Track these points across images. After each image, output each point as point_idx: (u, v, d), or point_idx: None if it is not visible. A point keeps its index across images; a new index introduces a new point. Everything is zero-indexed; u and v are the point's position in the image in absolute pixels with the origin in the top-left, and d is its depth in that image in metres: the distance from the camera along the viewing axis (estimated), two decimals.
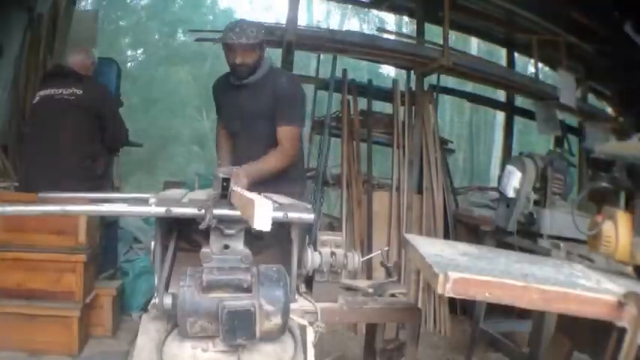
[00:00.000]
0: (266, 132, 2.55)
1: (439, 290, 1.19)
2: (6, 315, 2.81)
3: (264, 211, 1.11)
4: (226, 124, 2.80)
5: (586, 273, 1.56)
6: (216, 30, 5.31)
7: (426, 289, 4.16)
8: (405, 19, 11.89)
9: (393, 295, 1.93)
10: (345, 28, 15.63)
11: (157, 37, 16.89)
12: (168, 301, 1.31)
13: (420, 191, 4.58)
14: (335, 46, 4.63)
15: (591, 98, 6.39)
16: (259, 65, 2.56)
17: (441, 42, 4.86)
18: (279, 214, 1.40)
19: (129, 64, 15.16)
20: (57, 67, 3.47)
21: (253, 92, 2.57)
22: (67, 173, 3.03)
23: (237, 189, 1.45)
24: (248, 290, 1.28)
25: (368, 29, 16.07)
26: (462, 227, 4.54)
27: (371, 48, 4.71)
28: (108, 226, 3.55)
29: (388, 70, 13.84)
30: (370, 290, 1.96)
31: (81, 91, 3.18)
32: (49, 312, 2.85)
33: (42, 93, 3.23)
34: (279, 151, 2.48)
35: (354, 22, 18.22)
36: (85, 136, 3.21)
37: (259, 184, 2.17)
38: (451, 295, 1.18)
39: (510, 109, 6.45)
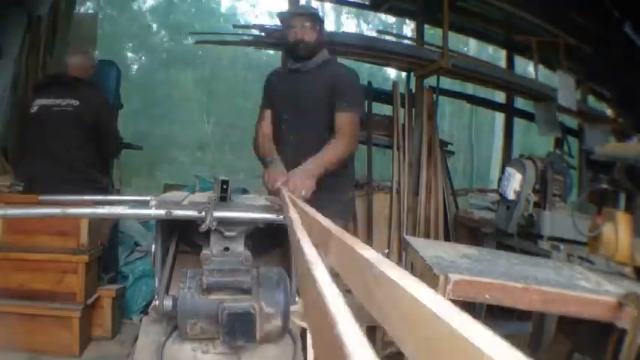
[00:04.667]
0: (321, 120, 2.45)
1: (439, 292, 1.19)
2: (8, 315, 2.81)
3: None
4: (278, 114, 2.62)
5: (586, 274, 1.56)
6: (218, 32, 5.34)
7: None
8: (405, 20, 11.90)
9: None
10: (343, 29, 15.69)
11: (159, 40, 16.93)
12: (168, 303, 1.31)
13: (419, 193, 4.58)
14: (335, 48, 4.64)
15: (591, 100, 6.39)
16: (317, 49, 2.51)
17: (440, 44, 4.87)
18: (279, 217, 1.40)
19: (131, 68, 15.20)
20: (55, 75, 3.47)
21: (312, 78, 2.49)
22: (68, 183, 3.03)
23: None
24: (248, 292, 1.28)
25: (367, 30, 16.12)
26: (462, 229, 4.54)
27: (370, 50, 4.72)
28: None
29: (389, 72, 13.87)
30: None
31: (78, 102, 3.18)
32: (51, 312, 2.86)
33: (40, 102, 3.22)
34: (340, 139, 2.31)
35: (353, 23, 18.27)
36: (84, 147, 3.22)
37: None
38: (451, 296, 1.18)
39: (510, 111, 6.45)
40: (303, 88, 2.50)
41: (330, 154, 2.23)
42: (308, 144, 2.39)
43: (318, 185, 2.10)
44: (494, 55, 9.22)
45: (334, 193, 2.44)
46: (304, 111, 2.51)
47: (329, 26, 17.09)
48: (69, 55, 3.44)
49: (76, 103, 3.19)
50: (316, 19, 2.48)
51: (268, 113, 2.65)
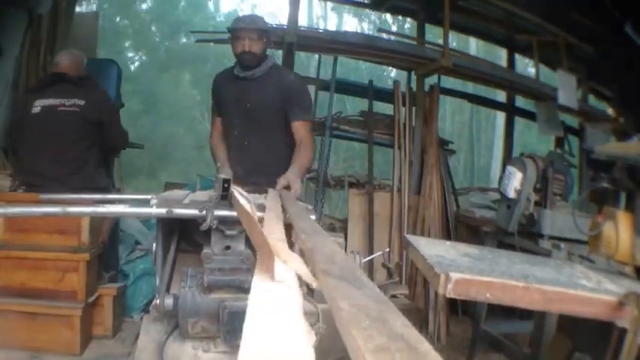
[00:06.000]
0: (268, 126, 2.66)
1: (440, 291, 1.19)
2: (9, 313, 2.82)
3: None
4: (226, 119, 2.81)
5: (587, 273, 1.56)
6: (218, 31, 5.33)
7: (428, 290, 4.16)
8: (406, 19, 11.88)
9: (394, 296, 1.93)
10: (344, 28, 15.67)
11: (158, 39, 16.92)
12: (169, 301, 1.31)
13: (420, 192, 4.58)
14: (335, 47, 4.64)
15: (592, 99, 6.39)
16: (264, 58, 2.65)
17: (441, 43, 4.87)
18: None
19: (131, 67, 15.19)
20: (55, 74, 3.44)
21: (259, 85, 2.64)
22: (70, 184, 3.02)
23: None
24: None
25: (368, 30, 16.11)
26: (462, 228, 4.54)
27: (371, 49, 4.71)
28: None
29: (391, 71, 13.86)
30: None
31: (83, 102, 3.15)
32: (52, 311, 2.86)
33: (42, 103, 3.16)
34: (306, 146, 2.56)
35: (353, 22, 18.27)
36: (87, 146, 3.20)
37: (259, 174, 2.42)
38: (452, 295, 1.18)
39: (511, 110, 6.45)
40: (252, 94, 2.66)
41: (304, 163, 2.50)
42: (259, 147, 2.65)
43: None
44: (496, 53, 9.21)
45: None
46: (253, 116, 2.68)
47: (330, 26, 17.11)
48: (58, 59, 3.40)
49: (81, 102, 3.16)
50: (262, 32, 2.61)
51: (218, 121, 2.88)
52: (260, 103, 2.64)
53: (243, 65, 2.63)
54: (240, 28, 2.57)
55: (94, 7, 11.60)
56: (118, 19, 15.45)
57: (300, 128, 2.59)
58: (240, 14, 15.88)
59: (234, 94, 2.70)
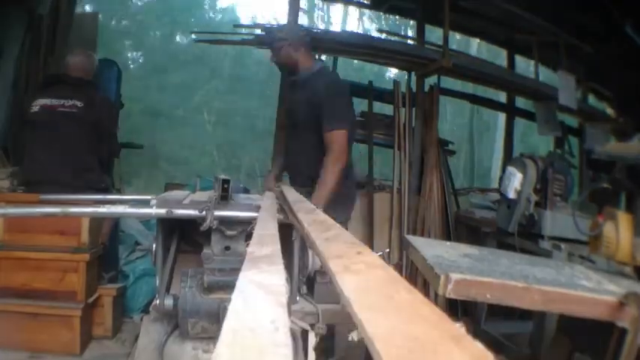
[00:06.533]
0: (303, 129, 2.74)
1: (440, 291, 1.19)
2: (9, 314, 2.81)
3: None
4: (285, 120, 3.07)
5: (587, 274, 1.56)
6: (218, 32, 5.33)
7: (428, 291, 4.16)
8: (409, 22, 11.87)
9: None
10: (349, 28, 15.67)
11: (157, 39, 16.90)
12: (169, 302, 1.31)
13: (420, 192, 4.58)
14: (336, 48, 4.64)
15: (592, 99, 6.39)
16: (296, 65, 2.76)
17: (441, 43, 4.87)
18: (279, 215, 1.40)
19: (129, 67, 15.17)
20: (57, 75, 3.44)
21: (299, 90, 2.78)
22: (69, 184, 3.02)
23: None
24: None
25: (370, 30, 16.10)
26: (463, 229, 4.54)
27: (371, 49, 4.71)
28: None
29: (391, 72, 13.87)
30: None
31: (82, 104, 3.16)
32: (52, 311, 2.86)
33: (42, 102, 3.18)
34: (328, 158, 2.56)
35: (353, 22, 18.26)
36: (86, 147, 3.21)
37: (294, 172, 2.69)
38: (452, 296, 1.18)
39: (511, 111, 6.45)
40: (292, 97, 2.83)
41: (324, 181, 2.52)
42: (295, 148, 2.81)
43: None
44: (496, 54, 9.21)
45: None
46: (292, 118, 2.84)
47: (333, 26, 17.10)
48: (70, 55, 3.43)
49: (80, 104, 3.16)
50: (273, 43, 2.74)
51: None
52: (296, 107, 2.78)
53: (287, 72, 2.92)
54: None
55: (87, 8, 11.55)
56: (116, 19, 15.44)
57: (327, 139, 2.59)
58: (238, 16, 15.94)
59: (288, 98, 2.99)
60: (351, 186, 2.91)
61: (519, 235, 2.94)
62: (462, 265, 1.38)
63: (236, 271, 1.30)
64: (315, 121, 2.63)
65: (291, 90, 2.90)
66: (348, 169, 2.82)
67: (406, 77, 5.27)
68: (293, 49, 2.74)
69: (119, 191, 4.10)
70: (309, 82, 2.71)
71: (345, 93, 2.82)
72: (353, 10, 17.48)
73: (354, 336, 1.15)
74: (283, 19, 5.32)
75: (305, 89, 2.71)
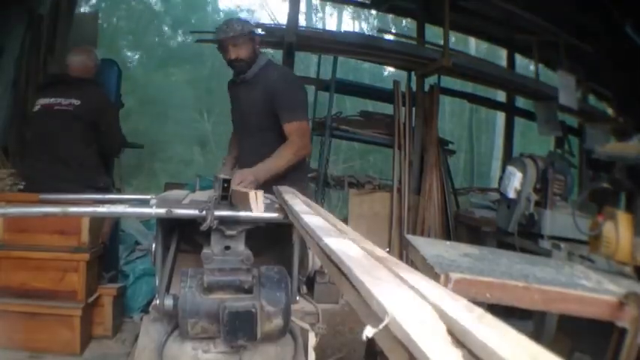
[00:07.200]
0: (259, 128, 2.63)
1: None
2: (9, 313, 2.81)
3: (257, 197, 1.26)
4: (233, 122, 2.88)
5: (587, 273, 1.56)
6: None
7: None
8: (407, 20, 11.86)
9: None
10: (344, 28, 15.66)
11: (156, 38, 16.89)
12: (169, 302, 1.31)
13: (420, 192, 4.58)
14: (335, 47, 4.64)
15: (592, 99, 6.39)
16: (254, 60, 2.61)
17: (441, 43, 4.87)
18: (280, 215, 1.40)
19: (129, 66, 15.16)
20: (57, 74, 3.44)
21: (249, 88, 2.63)
22: (68, 182, 3.02)
23: (237, 188, 1.46)
24: (249, 291, 1.28)
25: (368, 30, 16.09)
26: (462, 228, 4.54)
27: (371, 49, 4.72)
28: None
29: (391, 72, 13.85)
30: None
31: (79, 102, 3.16)
32: (52, 311, 2.86)
33: (42, 102, 3.21)
34: (288, 146, 2.46)
35: (355, 22, 18.23)
36: (85, 146, 3.21)
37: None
38: None
39: (511, 110, 6.45)
40: (243, 97, 2.67)
41: (276, 161, 2.42)
42: (251, 149, 2.66)
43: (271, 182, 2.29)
44: (496, 53, 9.21)
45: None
46: (246, 119, 2.70)
47: (331, 25, 17.09)
48: (71, 54, 3.43)
49: (77, 102, 3.17)
50: (242, 37, 2.56)
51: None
52: (249, 106, 2.64)
53: (235, 71, 2.66)
54: (221, 39, 2.55)
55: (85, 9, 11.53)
56: (115, 18, 15.43)
57: (287, 129, 2.50)
58: (239, 16, 15.96)
59: (233, 98, 2.77)
60: (307, 181, 2.89)
61: (519, 234, 2.94)
62: (461, 265, 1.38)
63: (236, 271, 1.31)
64: (272, 117, 2.54)
65: (237, 90, 2.71)
66: (306, 164, 2.82)
67: (406, 77, 5.28)
68: (255, 43, 2.65)
69: (119, 191, 4.09)
70: (258, 76, 2.60)
71: (300, 84, 2.79)
72: (347, 11, 17.47)
73: (367, 334, 1.15)
74: (283, 19, 5.30)
75: (256, 85, 2.59)
